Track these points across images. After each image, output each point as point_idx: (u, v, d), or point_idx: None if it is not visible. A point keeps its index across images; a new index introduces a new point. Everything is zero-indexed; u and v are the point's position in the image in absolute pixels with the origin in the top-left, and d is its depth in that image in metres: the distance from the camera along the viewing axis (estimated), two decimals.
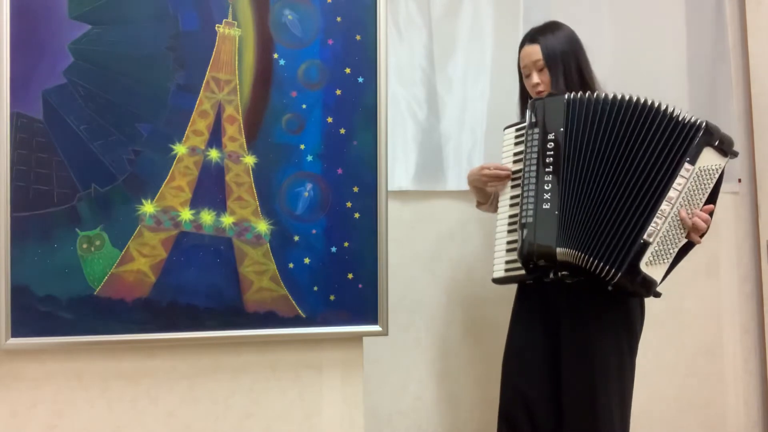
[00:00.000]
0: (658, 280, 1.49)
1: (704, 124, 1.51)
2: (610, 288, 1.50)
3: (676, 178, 1.49)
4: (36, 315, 1.49)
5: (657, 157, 1.50)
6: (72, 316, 1.50)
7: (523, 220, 1.56)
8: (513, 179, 1.66)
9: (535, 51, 1.67)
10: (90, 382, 1.57)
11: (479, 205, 1.87)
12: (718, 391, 2.39)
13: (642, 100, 1.54)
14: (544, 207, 1.54)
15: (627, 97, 1.55)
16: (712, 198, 1.53)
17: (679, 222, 1.49)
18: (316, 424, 1.69)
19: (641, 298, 1.63)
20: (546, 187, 1.55)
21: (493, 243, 1.68)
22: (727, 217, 2.44)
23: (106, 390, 1.57)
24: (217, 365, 1.63)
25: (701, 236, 1.52)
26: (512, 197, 1.65)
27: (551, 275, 1.56)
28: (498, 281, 1.64)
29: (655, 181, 1.50)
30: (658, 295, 1.51)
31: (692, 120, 1.52)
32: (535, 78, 1.68)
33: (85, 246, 1.52)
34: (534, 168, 1.58)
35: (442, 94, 2.18)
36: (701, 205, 1.51)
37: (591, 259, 1.48)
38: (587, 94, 1.58)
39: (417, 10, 2.16)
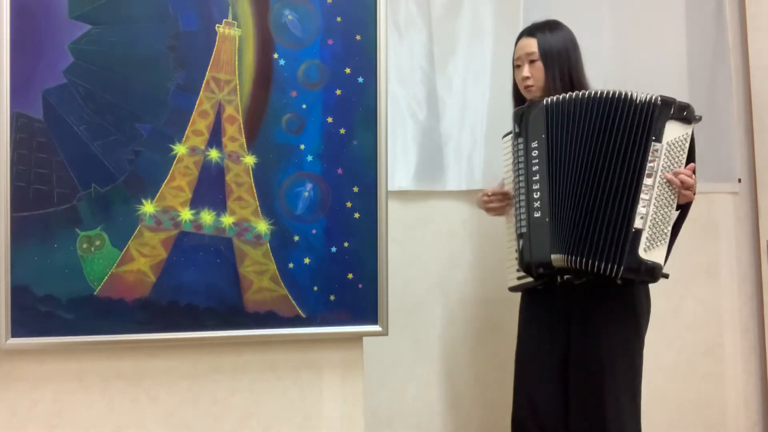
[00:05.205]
0: (662, 263, 1.49)
1: (658, 99, 1.49)
2: (619, 281, 1.51)
3: (647, 161, 1.48)
4: (36, 315, 1.49)
5: (626, 146, 1.50)
6: (72, 316, 1.50)
7: (519, 231, 1.59)
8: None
9: (530, 44, 1.67)
10: (90, 382, 1.57)
11: None
12: (718, 391, 2.39)
13: (610, 93, 1.53)
14: (535, 216, 1.56)
15: (597, 93, 1.54)
16: (691, 160, 1.51)
17: (664, 202, 1.49)
18: (316, 424, 1.69)
19: (646, 296, 1.64)
20: (535, 196, 1.57)
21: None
22: (727, 217, 2.44)
23: (106, 390, 1.57)
24: (217, 365, 1.63)
25: (694, 193, 1.51)
26: None
27: (559, 279, 1.58)
28: (513, 290, 1.70)
29: (629, 169, 1.49)
30: (666, 276, 1.51)
31: (646, 98, 1.50)
32: (526, 71, 1.67)
33: (85, 246, 1.52)
34: (523, 178, 1.60)
35: (442, 94, 2.18)
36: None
37: (585, 260, 1.49)
38: (564, 96, 1.57)
39: (417, 10, 2.16)
